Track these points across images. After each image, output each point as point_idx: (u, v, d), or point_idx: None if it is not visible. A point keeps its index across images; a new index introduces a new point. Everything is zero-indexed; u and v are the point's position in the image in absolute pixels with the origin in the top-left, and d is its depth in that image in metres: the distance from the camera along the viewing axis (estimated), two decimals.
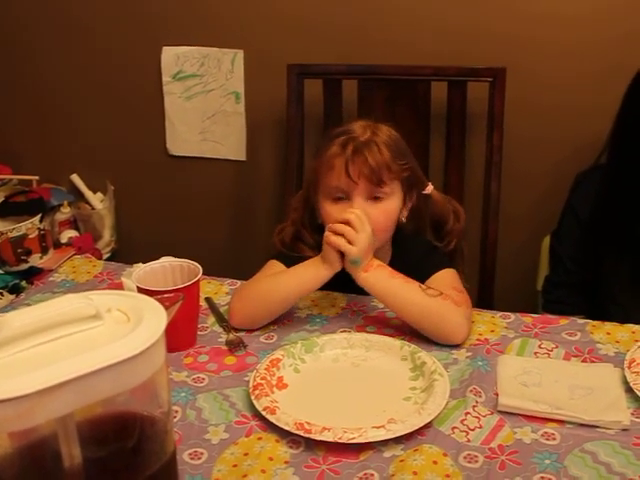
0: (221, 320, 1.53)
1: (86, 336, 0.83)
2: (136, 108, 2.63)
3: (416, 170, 1.60)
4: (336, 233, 1.44)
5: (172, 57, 2.51)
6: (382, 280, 1.46)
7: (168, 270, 1.46)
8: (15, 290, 2.46)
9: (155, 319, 0.84)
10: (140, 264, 1.53)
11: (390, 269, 1.47)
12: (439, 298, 1.43)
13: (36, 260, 2.55)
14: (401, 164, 1.53)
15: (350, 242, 1.42)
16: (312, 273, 1.48)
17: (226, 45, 2.44)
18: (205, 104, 2.55)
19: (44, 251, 2.57)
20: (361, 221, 1.44)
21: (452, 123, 2.13)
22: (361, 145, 1.50)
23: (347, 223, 1.44)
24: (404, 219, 1.59)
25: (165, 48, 2.51)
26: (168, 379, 0.91)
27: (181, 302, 0.93)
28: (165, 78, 2.55)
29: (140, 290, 1.34)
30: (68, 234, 2.71)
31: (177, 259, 1.48)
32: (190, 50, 2.49)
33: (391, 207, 1.53)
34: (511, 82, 2.05)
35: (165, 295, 0.94)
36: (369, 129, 1.54)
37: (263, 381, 1.28)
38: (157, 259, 1.49)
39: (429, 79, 2.10)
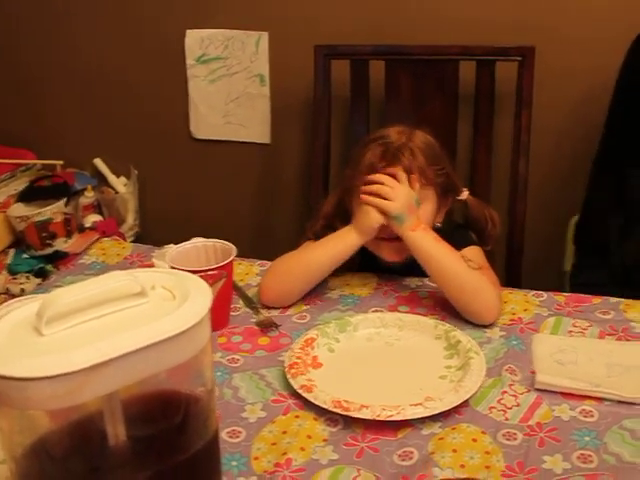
0: (249, 302, 1.53)
1: (132, 313, 0.83)
2: (160, 91, 2.63)
3: (451, 176, 1.60)
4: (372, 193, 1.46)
5: (196, 40, 2.50)
6: (429, 242, 1.45)
7: (201, 250, 1.45)
8: (40, 274, 2.48)
9: (201, 296, 0.84)
10: (171, 245, 1.52)
11: (435, 234, 1.47)
12: (477, 272, 1.43)
13: (61, 244, 2.55)
14: (436, 169, 1.54)
15: (388, 199, 1.44)
16: (342, 242, 1.49)
17: (250, 27, 2.43)
18: (229, 87, 2.54)
19: (69, 235, 2.57)
20: (396, 177, 1.45)
21: (480, 103, 2.10)
22: (396, 150, 1.51)
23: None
24: (439, 224, 1.59)
25: (189, 31, 2.50)
26: (212, 357, 0.91)
27: (224, 280, 0.93)
28: (189, 61, 2.54)
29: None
30: (92, 218, 2.70)
31: (209, 239, 1.47)
32: (214, 33, 2.48)
33: (425, 213, 1.52)
34: (539, 62, 2.03)
35: (209, 272, 0.94)
36: (404, 135, 1.55)
37: (299, 360, 1.28)
38: (181, 242, 1.49)
39: (457, 59, 2.08)
